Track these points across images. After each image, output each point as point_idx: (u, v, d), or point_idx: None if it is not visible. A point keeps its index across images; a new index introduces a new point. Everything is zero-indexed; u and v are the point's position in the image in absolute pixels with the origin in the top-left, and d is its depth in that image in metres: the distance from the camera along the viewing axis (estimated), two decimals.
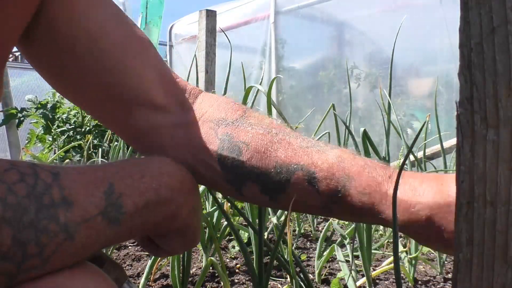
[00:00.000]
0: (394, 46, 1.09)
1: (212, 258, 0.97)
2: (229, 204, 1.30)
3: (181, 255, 0.90)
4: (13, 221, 0.31)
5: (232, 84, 1.38)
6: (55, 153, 2.17)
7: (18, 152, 2.81)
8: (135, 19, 3.63)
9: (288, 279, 1.06)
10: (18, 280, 0.32)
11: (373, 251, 1.08)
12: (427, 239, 0.43)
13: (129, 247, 1.31)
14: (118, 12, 0.51)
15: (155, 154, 0.47)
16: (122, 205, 0.38)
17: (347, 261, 0.96)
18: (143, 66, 0.50)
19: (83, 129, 2.38)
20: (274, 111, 0.85)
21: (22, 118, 2.58)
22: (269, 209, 1.35)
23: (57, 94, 2.54)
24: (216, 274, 1.10)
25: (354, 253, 1.09)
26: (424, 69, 3.28)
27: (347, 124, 1.00)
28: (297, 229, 1.45)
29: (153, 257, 0.94)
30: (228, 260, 1.22)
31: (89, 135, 2.23)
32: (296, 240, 1.41)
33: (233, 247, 1.29)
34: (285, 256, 0.99)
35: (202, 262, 1.17)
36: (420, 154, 1.40)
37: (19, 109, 2.58)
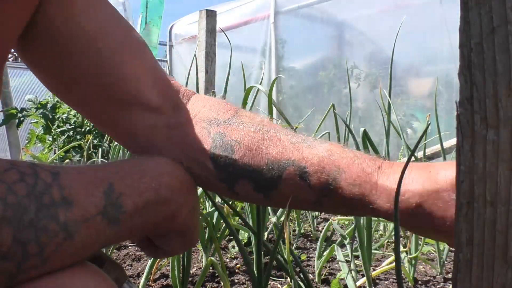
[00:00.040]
0: (394, 46, 1.09)
1: (212, 258, 0.97)
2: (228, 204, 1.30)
3: (181, 255, 0.90)
4: (13, 221, 0.31)
5: (232, 84, 1.38)
6: (55, 153, 2.17)
7: (18, 152, 2.81)
8: (135, 19, 3.63)
9: (288, 279, 1.06)
10: (18, 280, 0.32)
11: (373, 251, 1.08)
12: (418, 226, 0.43)
13: (129, 247, 1.31)
14: (115, 13, 0.51)
15: (149, 155, 0.48)
16: (122, 205, 0.38)
17: (347, 261, 0.96)
18: (139, 68, 0.51)
19: (83, 129, 2.38)
20: (274, 111, 0.85)
21: (22, 118, 2.57)
22: (269, 209, 1.35)
23: None
24: (216, 274, 1.10)
25: (354, 253, 1.09)
26: (424, 69, 3.28)
27: (347, 124, 1.00)
28: (297, 229, 1.45)
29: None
30: (228, 260, 1.22)
31: (89, 135, 2.23)
32: (296, 240, 1.41)
33: (233, 247, 1.29)
34: (285, 256, 0.99)
35: (202, 262, 1.17)
36: (420, 154, 1.40)
37: (19, 109, 2.58)
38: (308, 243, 1.41)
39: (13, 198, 0.31)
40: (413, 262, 1.08)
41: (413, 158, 1.28)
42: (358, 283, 0.92)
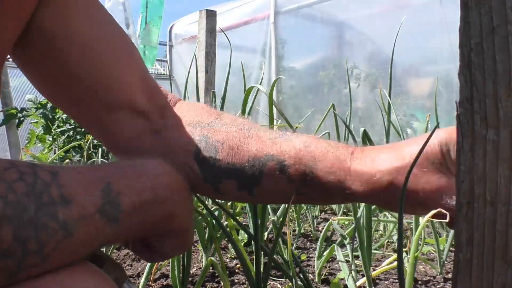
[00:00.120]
0: (394, 46, 1.09)
1: (212, 258, 0.97)
2: (229, 204, 1.30)
3: (181, 255, 0.90)
4: (13, 219, 0.31)
5: (232, 84, 1.38)
6: (55, 153, 2.17)
7: (18, 152, 2.81)
8: (135, 19, 3.63)
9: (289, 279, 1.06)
10: (18, 278, 0.32)
11: (373, 251, 1.08)
12: (393, 203, 0.45)
13: None
14: (110, 18, 0.52)
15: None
16: (119, 204, 0.38)
17: (347, 261, 0.96)
18: (130, 73, 0.52)
19: (83, 129, 2.38)
20: (274, 111, 0.85)
21: (22, 118, 2.57)
22: (269, 209, 1.35)
23: None
24: (216, 274, 1.10)
25: (354, 253, 1.09)
26: (424, 69, 3.28)
27: (347, 124, 1.00)
28: (297, 229, 1.45)
29: None
30: (228, 260, 1.22)
31: (89, 135, 2.23)
32: (296, 240, 1.41)
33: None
34: (285, 256, 0.99)
35: (202, 262, 1.17)
36: None
37: (19, 109, 2.58)
38: (308, 243, 1.41)
39: (13, 196, 0.31)
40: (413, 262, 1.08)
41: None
42: (358, 283, 0.92)
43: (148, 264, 0.95)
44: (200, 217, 1.00)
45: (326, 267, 1.17)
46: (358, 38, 3.69)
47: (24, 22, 0.45)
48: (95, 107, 0.51)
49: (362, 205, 0.90)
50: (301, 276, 0.73)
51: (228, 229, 1.17)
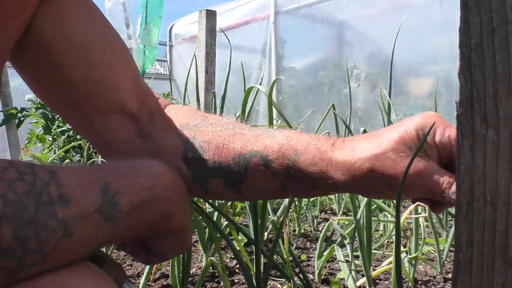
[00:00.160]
0: (394, 46, 1.09)
1: (212, 258, 0.97)
2: (229, 204, 1.29)
3: (181, 255, 0.90)
4: (13, 218, 0.31)
5: (232, 84, 1.38)
6: (55, 153, 2.17)
7: (18, 152, 2.81)
8: (135, 19, 3.63)
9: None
10: (18, 277, 0.32)
11: (373, 251, 1.08)
12: (375, 189, 0.46)
13: None
14: (106, 22, 0.53)
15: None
16: (118, 203, 0.38)
17: (347, 261, 0.96)
18: (124, 78, 0.53)
19: None
20: (274, 112, 0.85)
21: (22, 118, 2.57)
22: (269, 209, 1.35)
23: None
24: (216, 274, 1.10)
25: (354, 253, 1.09)
26: (424, 69, 3.28)
27: (347, 124, 1.00)
28: (297, 229, 1.45)
29: None
30: (228, 260, 1.22)
31: None
32: (296, 240, 1.41)
33: None
34: (285, 257, 0.99)
35: (202, 262, 1.17)
36: None
37: (19, 109, 2.58)
38: (308, 243, 1.41)
39: (13, 195, 0.31)
40: (413, 262, 1.08)
41: None
42: (358, 283, 0.92)
43: None
44: (200, 217, 1.00)
45: (326, 267, 1.17)
46: (358, 38, 3.69)
47: (25, 24, 0.45)
48: (88, 110, 0.52)
49: (362, 205, 0.90)
50: (301, 276, 0.73)
51: (228, 229, 1.17)
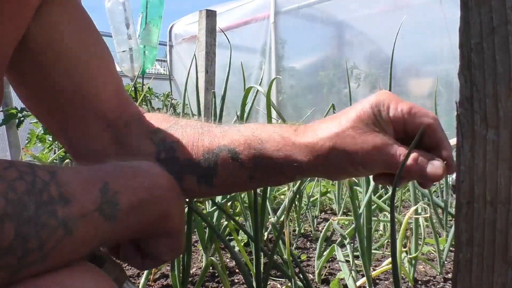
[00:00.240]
0: (394, 46, 1.09)
1: (212, 258, 0.97)
2: (228, 204, 1.30)
3: (181, 255, 0.90)
4: (14, 217, 0.31)
5: (232, 84, 1.38)
6: (55, 153, 2.17)
7: (18, 152, 2.81)
8: (135, 19, 3.63)
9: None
10: (19, 276, 0.32)
11: (373, 251, 1.08)
12: (337, 167, 0.48)
13: None
14: (95, 31, 0.55)
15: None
16: (117, 203, 0.38)
17: (347, 261, 0.96)
18: (109, 88, 0.55)
19: None
20: (273, 112, 0.85)
21: (22, 118, 2.57)
22: (269, 209, 1.35)
23: None
24: (216, 274, 1.10)
25: (354, 253, 1.09)
26: (424, 69, 3.28)
27: None
28: (297, 229, 1.45)
29: None
30: (228, 260, 1.22)
31: None
32: (296, 240, 1.41)
33: (233, 247, 1.29)
34: (284, 257, 0.99)
35: (202, 262, 1.17)
36: None
37: (19, 109, 2.58)
38: (308, 243, 1.41)
39: (13, 194, 0.32)
40: (413, 262, 1.08)
41: None
42: (358, 283, 0.92)
43: None
44: (199, 217, 1.00)
45: (326, 267, 1.17)
46: (358, 38, 3.69)
47: (24, 28, 0.46)
48: (70, 118, 0.54)
49: (362, 205, 0.90)
50: (301, 276, 0.73)
51: (228, 229, 1.17)
